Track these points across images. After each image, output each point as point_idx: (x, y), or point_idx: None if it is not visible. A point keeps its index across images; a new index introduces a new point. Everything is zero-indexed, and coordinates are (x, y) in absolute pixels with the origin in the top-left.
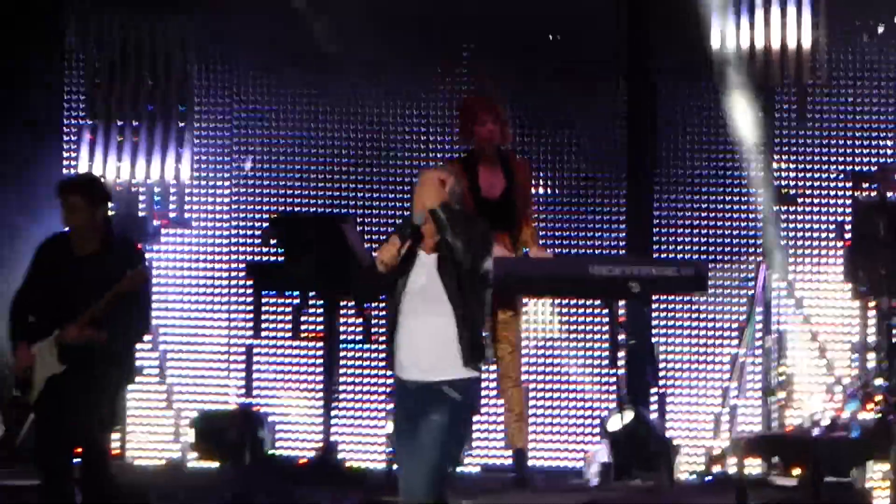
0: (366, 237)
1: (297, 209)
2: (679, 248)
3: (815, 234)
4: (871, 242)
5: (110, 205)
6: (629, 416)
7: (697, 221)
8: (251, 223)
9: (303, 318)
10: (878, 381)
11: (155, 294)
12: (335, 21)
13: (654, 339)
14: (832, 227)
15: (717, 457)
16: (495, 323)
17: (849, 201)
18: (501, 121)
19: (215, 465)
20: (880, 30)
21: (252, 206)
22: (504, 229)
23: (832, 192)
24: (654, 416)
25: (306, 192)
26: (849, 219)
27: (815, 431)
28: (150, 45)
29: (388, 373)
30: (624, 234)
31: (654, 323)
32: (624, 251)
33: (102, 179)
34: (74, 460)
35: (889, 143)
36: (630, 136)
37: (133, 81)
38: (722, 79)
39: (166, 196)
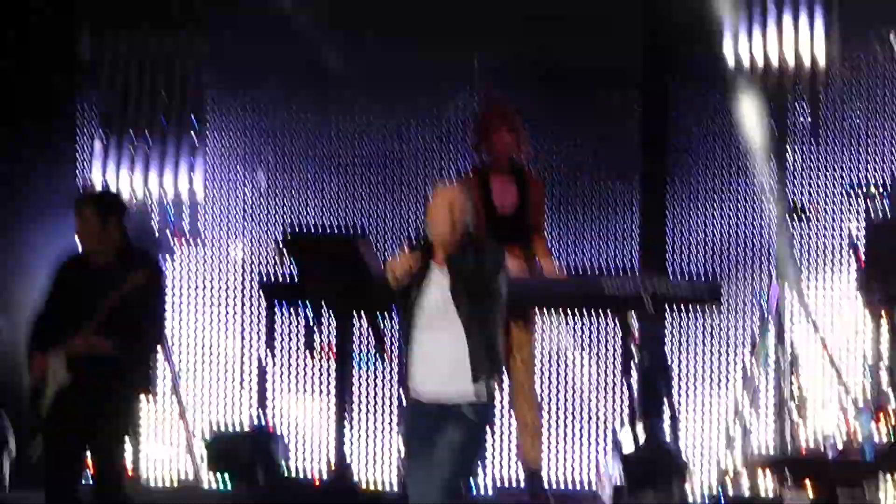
0: (379, 251)
1: (310, 223)
2: (693, 261)
3: (829, 249)
4: (886, 261)
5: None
6: (641, 433)
7: (711, 236)
8: (265, 237)
9: (315, 334)
10: (890, 396)
11: (168, 309)
12: (349, 36)
13: (667, 355)
14: (845, 241)
15: (731, 477)
16: (508, 339)
17: (862, 215)
18: (518, 131)
19: (229, 485)
20: (894, 42)
21: (265, 221)
22: (515, 241)
23: (845, 206)
24: (666, 433)
25: (319, 207)
26: (863, 233)
27: (830, 453)
28: (165, 60)
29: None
30: (638, 248)
31: (668, 338)
32: (637, 265)
33: (117, 193)
34: (83, 482)
35: None
36: (644, 149)
37: (147, 95)
38: (736, 92)
39: (180, 210)
